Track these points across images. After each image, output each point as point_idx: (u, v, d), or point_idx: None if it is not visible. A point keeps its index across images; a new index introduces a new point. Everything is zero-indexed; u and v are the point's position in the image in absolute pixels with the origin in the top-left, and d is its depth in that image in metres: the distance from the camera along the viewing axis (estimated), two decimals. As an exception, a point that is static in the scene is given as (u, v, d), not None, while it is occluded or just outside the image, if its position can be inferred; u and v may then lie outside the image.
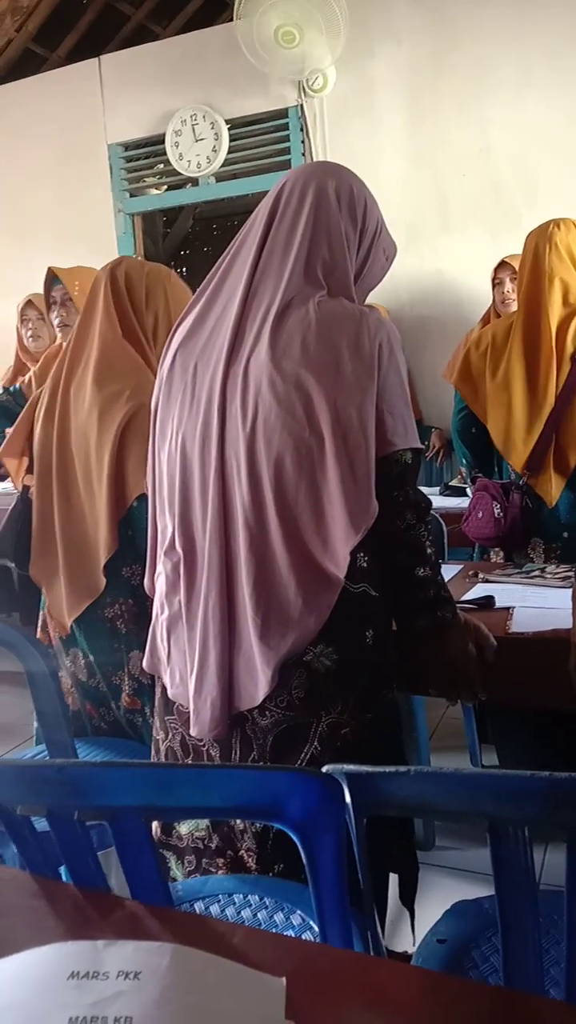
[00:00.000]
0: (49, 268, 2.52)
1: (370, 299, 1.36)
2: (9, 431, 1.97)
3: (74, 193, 4.34)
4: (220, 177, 4.15)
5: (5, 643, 1.39)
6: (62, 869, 0.79)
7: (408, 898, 1.27)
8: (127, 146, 4.26)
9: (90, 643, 1.77)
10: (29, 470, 1.89)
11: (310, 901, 0.82)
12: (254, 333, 1.21)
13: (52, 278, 2.48)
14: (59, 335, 2.52)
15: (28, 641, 1.40)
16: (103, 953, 0.52)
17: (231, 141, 3.99)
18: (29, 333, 3.30)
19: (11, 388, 3.04)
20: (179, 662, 1.27)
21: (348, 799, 0.75)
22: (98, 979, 0.50)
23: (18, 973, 0.51)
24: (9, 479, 3.24)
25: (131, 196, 4.33)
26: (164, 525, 1.30)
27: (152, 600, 1.38)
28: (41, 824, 0.77)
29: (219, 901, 1.15)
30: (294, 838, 0.76)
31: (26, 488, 1.90)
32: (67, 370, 1.81)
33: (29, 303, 3.31)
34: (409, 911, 1.26)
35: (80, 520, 1.76)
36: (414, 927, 1.21)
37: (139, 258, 1.93)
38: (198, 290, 1.33)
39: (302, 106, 3.85)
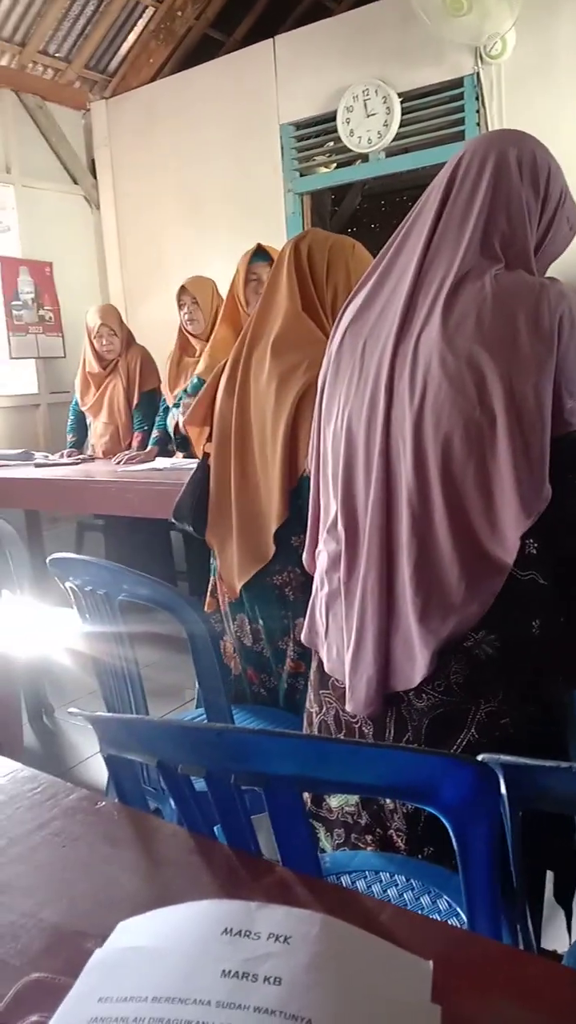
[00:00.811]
0: (258, 244, 2.57)
1: (548, 271, 1.29)
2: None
3: (246, 174, 4.43)
4: (390, 152, 4.08)
5: (168, 607, 1.47)
6: (216, 828, 0.82)
7: (565, 896, 1.22)
8: (298, 125, 4.28)
9: (259, 608, 1.83)
10: (210, 438, 1.97)
11: (458, 888, 0.81)
12: (426, 309, 1.18)
13: (258, 252, 2.52)
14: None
15: (189, 605, 1.47)
16: (255, 914, 0.54)
17: (403, 115, 3.91)
18: (186, 317, 3.41)
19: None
20: (336, 638, 1.29)
21: (504, 790, 0.73)
22: (250, 938, 0.52)
23: (180, 922, 0.54)
24: (175, 455, 3.39)
25: (300, 175, 4.35)
26: (327, 503, 1.31)
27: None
28: (199, 785, 0.81)
29: (365, 877, 1.16)
30: (446, 823, 0.75)
31: (206, 455, 1.97)
32: (249, 342, 1.85)
33: (183, 289, 3.41)
34: (565, 909, 1.22)
35: (254, 488, 1.81)
36: (570, 926, 1.17)
37: (325, 231, 1.94)
38: (370, 266, 1.32)
39: (478, 74, 3.70)
